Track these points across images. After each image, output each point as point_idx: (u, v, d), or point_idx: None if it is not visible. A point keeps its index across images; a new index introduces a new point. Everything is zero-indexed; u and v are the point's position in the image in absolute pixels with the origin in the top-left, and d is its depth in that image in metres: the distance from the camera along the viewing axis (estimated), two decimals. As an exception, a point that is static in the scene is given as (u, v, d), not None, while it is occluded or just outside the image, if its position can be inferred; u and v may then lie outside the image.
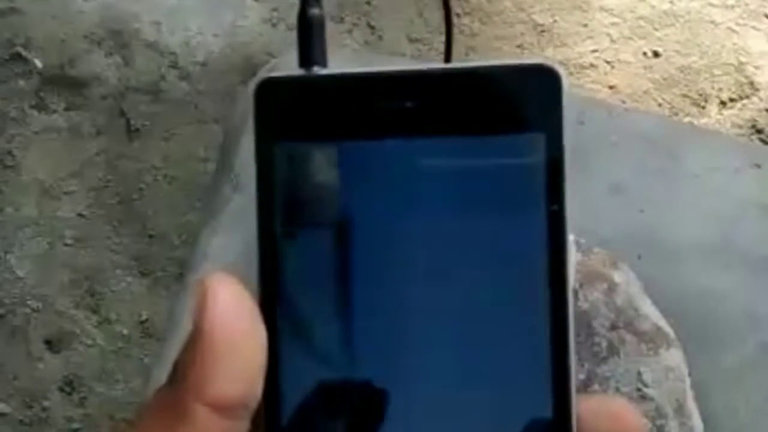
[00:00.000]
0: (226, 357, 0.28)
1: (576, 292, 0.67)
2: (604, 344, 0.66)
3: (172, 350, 0.29)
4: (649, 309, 0.69)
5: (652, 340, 0.68)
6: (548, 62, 0.30)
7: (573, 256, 0.30)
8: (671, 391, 0.67)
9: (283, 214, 0.31)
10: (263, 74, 0.32)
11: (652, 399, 0.66)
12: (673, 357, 0.68)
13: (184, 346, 0.29)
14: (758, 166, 0.82)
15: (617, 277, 0.69)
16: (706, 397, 0.72)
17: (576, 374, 0.30)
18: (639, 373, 0.67)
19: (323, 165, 0.31)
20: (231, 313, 0.29)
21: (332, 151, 0.31)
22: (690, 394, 0.69)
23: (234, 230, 0.79)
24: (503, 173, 0.30)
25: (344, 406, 0.30)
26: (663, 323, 0.70)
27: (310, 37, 0.33)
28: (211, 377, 0.28)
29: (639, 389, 0.66)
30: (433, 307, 0.30)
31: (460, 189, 0.30)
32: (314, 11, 0.34)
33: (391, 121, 0.31)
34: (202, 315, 0.29)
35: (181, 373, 0.29)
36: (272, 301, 0.31)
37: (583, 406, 0.30)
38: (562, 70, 0.30)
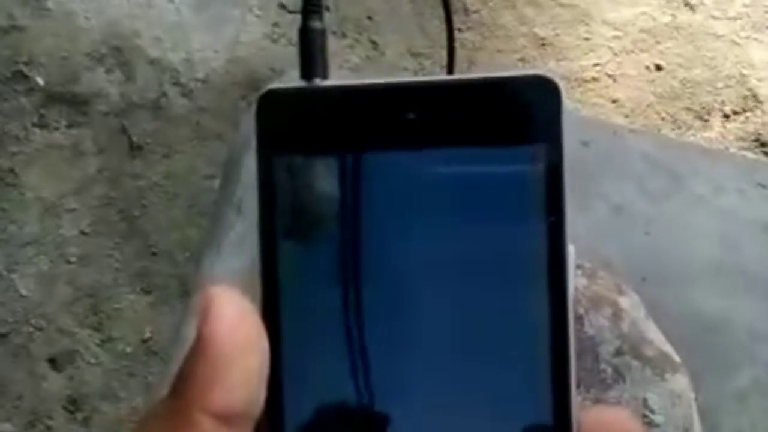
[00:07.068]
0: (229, 366, 0.29)
1: (581, 318, 0.67)
2: (610, 371, 0.66)
3: (177, 368, 0.30)
4: (654, 334, 0.69)
5: (658, 365, 0.68)
6: (546, 73, 0.30)
7: (573, 266, 0.30)
8: (678, 417, 0.67)
9: (284, 225, 0.31)
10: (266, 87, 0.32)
11: (658, 425, 0.66)
12: (679, 382, 0.68)
13: (187, 356, 0.29)
14: (763, 186, 0.82)
15: (623, 302, 0.69)
16: (713, 421, 0.72)
17: (576, 383, 0.30)
18: (645, 399, 0.66)
19: (325, 176, 0.31)
20: (234, 323, 0.29)
21: (334, 162, 0.31)
22: (696, 419, 0.69)
23: (238, 254, 0.78)
24: (504, 184, 0.30)
25: (348, 415, 0.30)
26: (668, 348, 0.69)
27: (311, 50, 0.34)
28: (214, 386, 0.28)
29: (645, 415, 0.66)
30: (434, 318, 0.30)
31: (461, 200, 0.30)
32: (315, 24, 0.35)
33: (392, 133, 0.31)
34: (205, 325, 0.29)
35: (183, 382, 0.29)
36: (274, 311, 0.31)
37: (583, 416, 0.30)
38: (560, 81, 0.30)
